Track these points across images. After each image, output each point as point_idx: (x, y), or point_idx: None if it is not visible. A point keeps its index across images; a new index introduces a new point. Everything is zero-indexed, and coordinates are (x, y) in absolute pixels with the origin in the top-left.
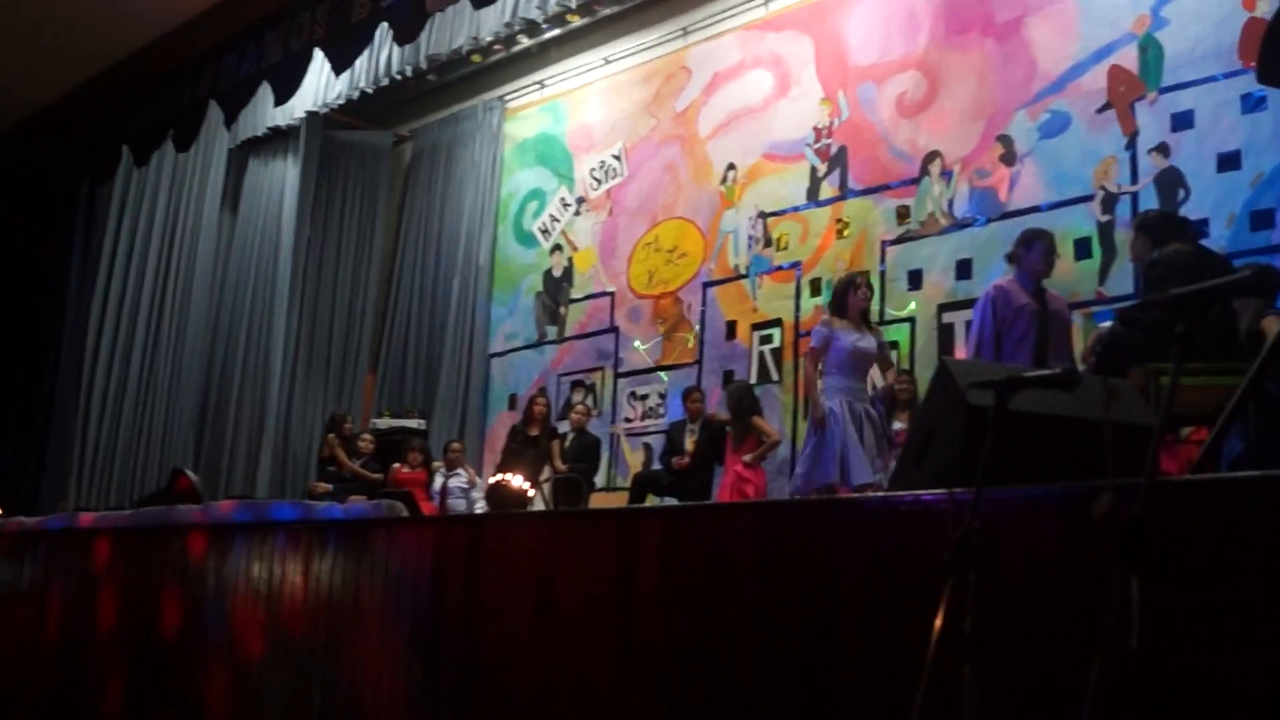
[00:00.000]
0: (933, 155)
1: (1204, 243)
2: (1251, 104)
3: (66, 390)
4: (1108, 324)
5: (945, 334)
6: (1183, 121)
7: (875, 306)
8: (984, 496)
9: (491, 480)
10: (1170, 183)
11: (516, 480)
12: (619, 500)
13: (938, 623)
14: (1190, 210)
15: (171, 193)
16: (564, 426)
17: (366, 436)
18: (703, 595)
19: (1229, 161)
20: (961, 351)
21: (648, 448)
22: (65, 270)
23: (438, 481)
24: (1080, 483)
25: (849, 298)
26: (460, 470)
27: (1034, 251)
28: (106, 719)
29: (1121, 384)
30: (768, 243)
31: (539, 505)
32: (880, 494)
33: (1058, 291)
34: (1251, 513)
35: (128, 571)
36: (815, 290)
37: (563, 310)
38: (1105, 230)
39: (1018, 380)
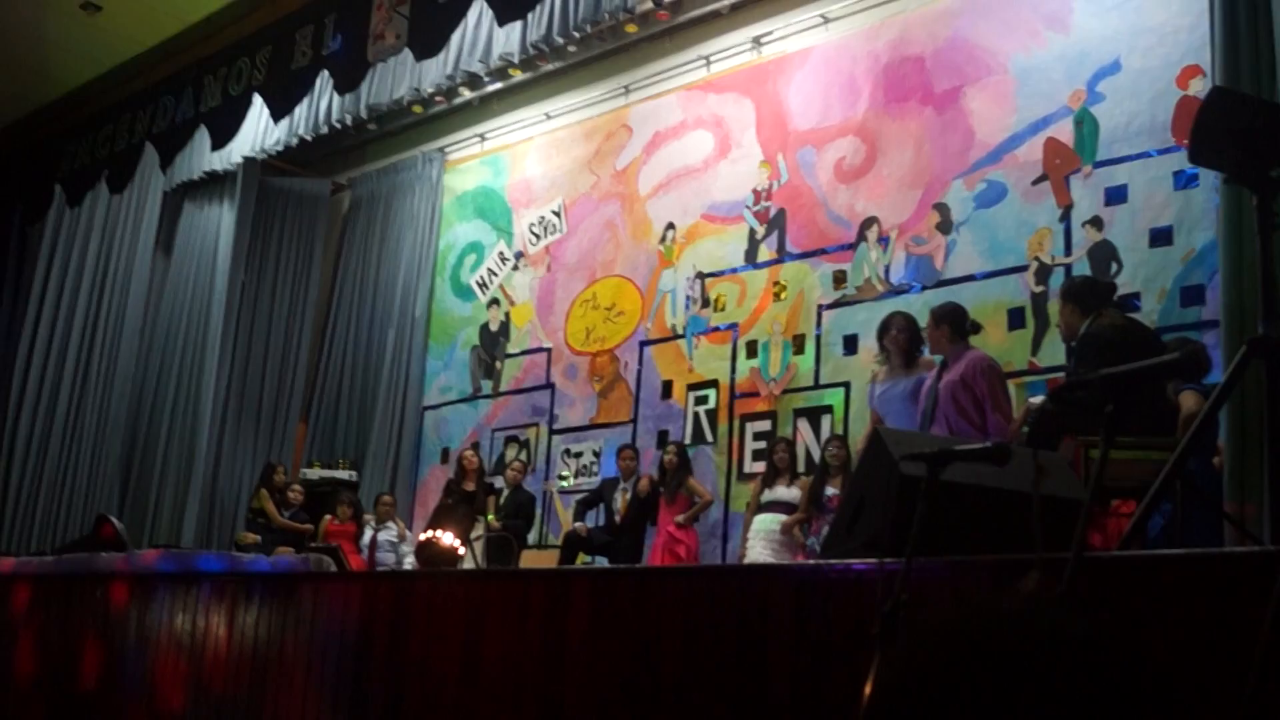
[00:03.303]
0: (870, 221)
1: (1134, 317)
2: (1184, 180)
3: None
4: (1039, 398)
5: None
6: (1116, 196)
7: (810, 369)
8: (914, 567)
9: (422, 536)
10: (1103, 256)
11: (447, 537)
12: (550, 558)
13: (866, 693)
14: (1122, 284)
15: (104, 234)
16: (499, 482)
17: (296, 487)
18: (630, 659)
19: (1161, 237)
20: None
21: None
22: None
23: (367, 534)
24: (1009, 555)
25: (884, 339)
26: (390, 524)
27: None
28: None
29: (1052, 457)
30: (705, 303)
31: (469, 563)
32: (810, 562)
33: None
34: (1176, 589)
35: (48, 619)
36: (751, 352)
37: (498, 365)
38: (1039, 301)
39: (950, 453)
